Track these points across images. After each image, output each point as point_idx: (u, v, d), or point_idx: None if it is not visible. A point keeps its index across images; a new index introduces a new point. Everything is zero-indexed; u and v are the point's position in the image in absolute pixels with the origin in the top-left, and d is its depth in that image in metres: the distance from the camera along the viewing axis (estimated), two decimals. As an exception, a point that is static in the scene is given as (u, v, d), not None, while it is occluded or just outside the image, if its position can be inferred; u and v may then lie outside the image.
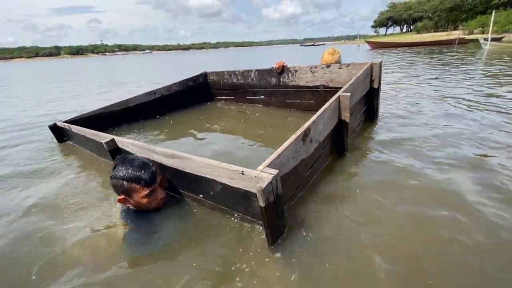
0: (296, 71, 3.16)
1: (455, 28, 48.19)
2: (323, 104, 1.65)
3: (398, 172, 1.66)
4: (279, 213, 1.11)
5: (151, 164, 1.41)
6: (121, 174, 1.32)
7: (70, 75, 14.73)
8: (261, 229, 1.22)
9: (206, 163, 1.22)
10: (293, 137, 1.30)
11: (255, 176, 1.03)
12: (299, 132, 1.36)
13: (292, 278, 0.99)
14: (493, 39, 15.00)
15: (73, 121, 2.75)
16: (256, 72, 3.58)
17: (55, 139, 2.82)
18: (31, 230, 1.39)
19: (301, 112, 3.21)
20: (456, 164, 1.70)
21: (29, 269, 1.12)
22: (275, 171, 1.03)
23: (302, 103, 3.26)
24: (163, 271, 1.08)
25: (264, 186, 0.97)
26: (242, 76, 3.77)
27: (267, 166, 1.07)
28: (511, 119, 2.49)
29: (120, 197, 1.37)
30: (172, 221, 1.38)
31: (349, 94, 1.77)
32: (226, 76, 4.00)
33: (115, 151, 1.81)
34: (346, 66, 2.72)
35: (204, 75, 4.27)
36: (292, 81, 3.24)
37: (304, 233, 1.21)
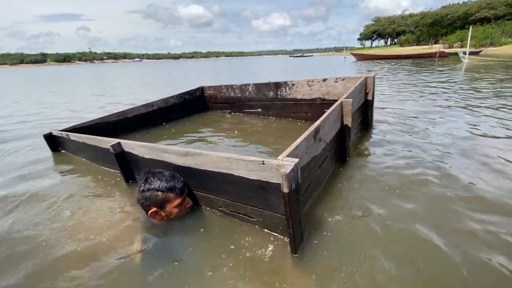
0: (293, 84, 3.28)
1: (436, 42, 50.77)
2: (320, 115, 1.71)
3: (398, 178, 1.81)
4: (299, 205, 1.12)
5: (178, 175, 1.46)
6: (156, 186, 1.36)
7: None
8: (280, 236, 1.26)
9: (224, 157, 1.23)
10: (306, 133, 1.35)
11: (276, 165, 1.04)
12: (311, 129, 1.40)
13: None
14: (471, 53, 15.91)
15: (69, 131, 2.68)
16: (254, 86, 3.68)
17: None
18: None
19: (299, 122, 3.31)
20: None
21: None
22: (296, 160, 1.05)
23: (299, 115, 3.37)
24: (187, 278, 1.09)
25: (288, 171, 0.98)
26: (239, 90, 3.87)
27: (287, 156, 1.10)
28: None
29: (152, 210, 1.38)
30: (189, 230, 1.40)
31: (351, 100, 1.88)
32: (224, 90, 4.07)
33: (120, 155, 1.81)
34: (342, 80, 2.88)
35: (201, 89, 4.34)
36: (289, 94, 3.36)
37: (323, 242, 1.24)
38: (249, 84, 3.73)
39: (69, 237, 1.41)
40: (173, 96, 3.96)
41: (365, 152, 2.26)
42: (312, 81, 3.11)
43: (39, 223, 1.56)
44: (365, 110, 2.74)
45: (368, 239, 1.25)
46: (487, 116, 3.20)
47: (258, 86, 3.64)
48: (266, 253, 1.20)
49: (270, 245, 1.24)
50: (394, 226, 1.34)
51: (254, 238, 1.29)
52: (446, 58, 19.12)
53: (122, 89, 9.53)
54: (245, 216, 1.36)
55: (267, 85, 3.54)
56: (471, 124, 2.90)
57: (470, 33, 17.71)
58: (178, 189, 1.39)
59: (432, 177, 1.78)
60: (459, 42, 40.89)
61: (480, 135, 2.54)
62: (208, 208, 1.54)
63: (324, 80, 3.01)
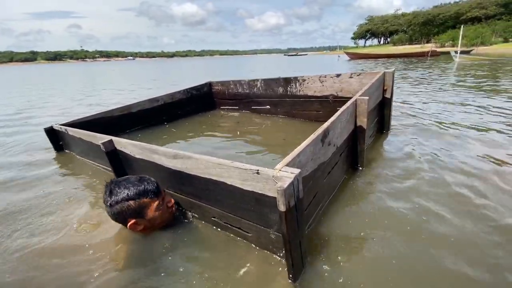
0: (304, 80, 3.18)
1: (428, 41, 51.61)
2: (332, 114, 1.52)
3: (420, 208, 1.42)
4: (300, 224, 0.95)
5: (146, 176, 1.30)
6: (124, 195, 1.19)
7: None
8: (278, 259, 1.10)
9: (215, 163, 1.08)
10: (312, 137, 1.17)
11: (272, 176, 0.90)
12: (318, 132, 1.23)
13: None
14: (462, 52, 16.23)
15: (70, 125, 2.59)
16: (263, 82, 3.58)
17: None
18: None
19: (309, 122, 3.25)
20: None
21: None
22: (296, 170, 0.89)
23: (309, 113, 3.29)
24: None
25: (285, 186, 0.82)
26: (248, 86, 3.78)
27: (286, 165, 0.93)
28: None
29: (130, 223, 1.21)
30: (179, 243, 1.26)
31: (367, 97, 1.67)
32: (232, 86, 3.99)
33: (112, 153, 1.69)
34: (357, 75, 2.75)
35: (209, 84, 4.25)
36: (299, 90, 3.26)
37: (326, 268, 1.06)
38: (257, 80, 3.63)
39: (49, 237, 1.35)
40: (179, 91, 3.85)
41: (382, 159, 2.01)
42: (325, 77, 3.01)
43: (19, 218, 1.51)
44: (381, 110, 2.53)
45: (384, 268, 1.04)
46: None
47: (267, 82, 3.54)
48: (263, 277, 1.04)
49: (267, 267, 1.08)
50: (412, 251, 1.12)
51: (249, 257, 1.13)
52: (437, 57, 19.45)
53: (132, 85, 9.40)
54: (240, 230, 1.21)
55: (276, 80, 3.44)
56: (482, 121, 2.87)
57: (461, 33, 18.07)
58: (150, 191, 1.23)
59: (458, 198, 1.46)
60: (451, 42, 41.69)
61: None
62: (200, 218, 1.40)
63: (338, 75, 2.89)
